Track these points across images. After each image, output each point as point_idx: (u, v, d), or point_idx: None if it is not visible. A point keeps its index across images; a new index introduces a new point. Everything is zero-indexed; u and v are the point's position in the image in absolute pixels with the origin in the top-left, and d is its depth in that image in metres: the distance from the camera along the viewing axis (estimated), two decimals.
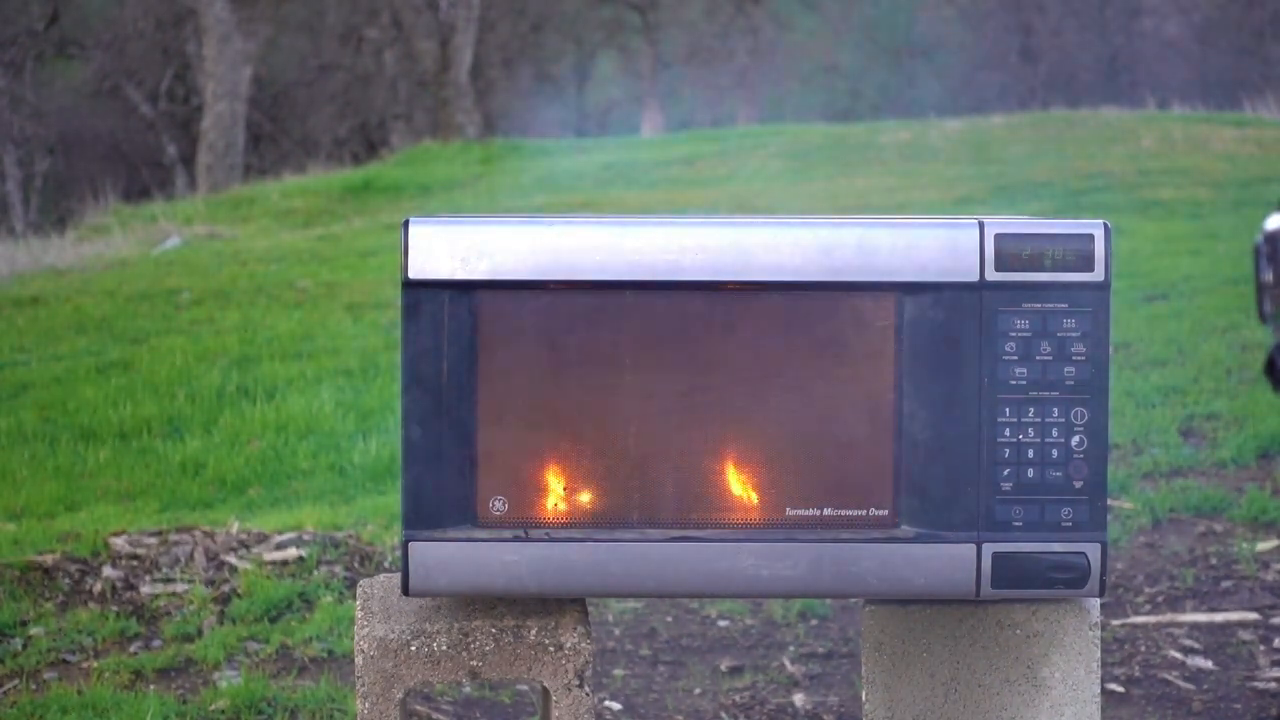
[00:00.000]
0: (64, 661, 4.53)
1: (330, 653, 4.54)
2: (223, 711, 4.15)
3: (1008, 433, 2.58)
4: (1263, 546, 5.23)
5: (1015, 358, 2.57)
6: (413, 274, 2.56)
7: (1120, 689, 4.30)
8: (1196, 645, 4.56)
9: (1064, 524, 2.59)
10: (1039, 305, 2.57)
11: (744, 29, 33.29)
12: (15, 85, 27.53)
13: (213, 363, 8.66)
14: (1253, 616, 4.73)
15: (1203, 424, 6.55)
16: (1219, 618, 4.72)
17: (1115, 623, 4.72)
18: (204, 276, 11.82)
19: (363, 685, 2.65)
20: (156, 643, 4.65)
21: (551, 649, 2.66)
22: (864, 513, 2.60)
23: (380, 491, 6.46)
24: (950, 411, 2.57)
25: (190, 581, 4.99)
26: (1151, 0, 32.59)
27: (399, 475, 2.95)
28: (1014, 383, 2.57)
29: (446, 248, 2.56)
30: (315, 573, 5.07)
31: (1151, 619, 4.74)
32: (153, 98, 29.15)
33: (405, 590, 2.60)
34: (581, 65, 34.31)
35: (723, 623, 4.87)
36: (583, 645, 2.66)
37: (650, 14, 32.54)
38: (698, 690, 4.43)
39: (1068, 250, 2.57)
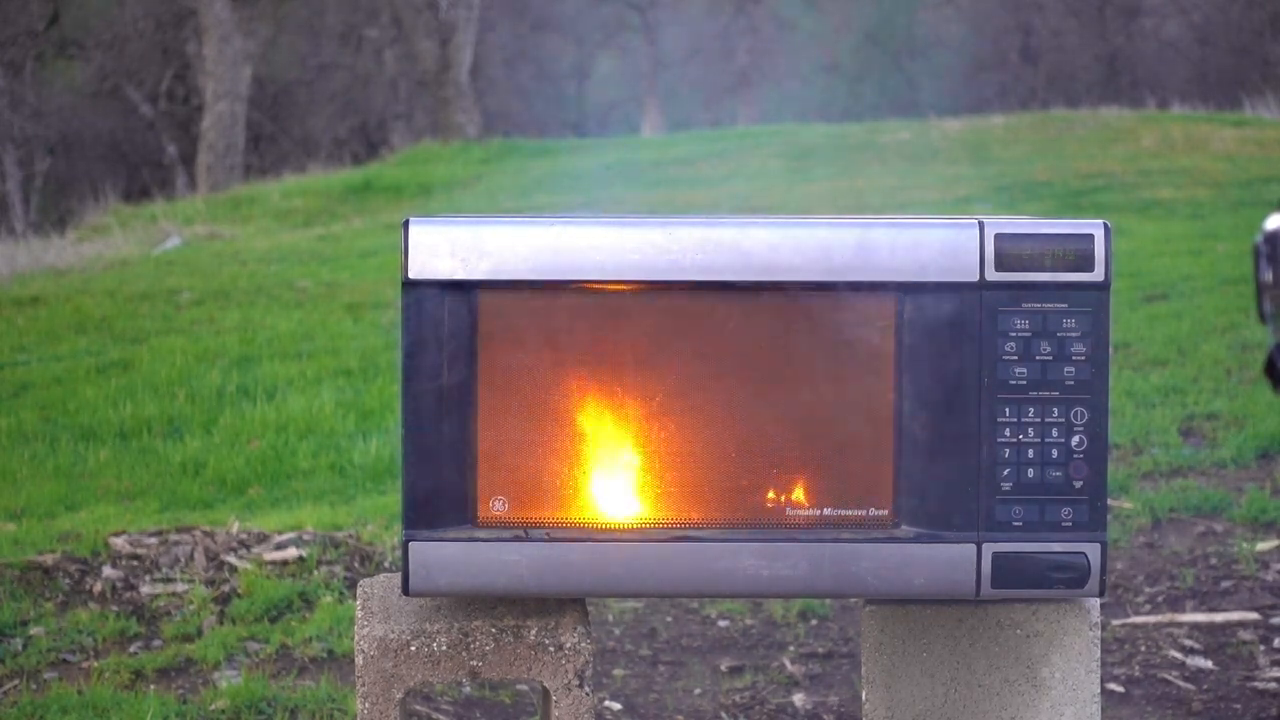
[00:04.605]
0: (64, 661, 4.53)
1: (330, 653, 4.55)
2: (223, 711, 4.15)
3: (1008, 433, 2.58)
4: (1263, 546, 5.23)
5: (1015, 358, 2.57)
6: (413, 274, 2.56)
7: (1120, 689, 4.30)
8: (1196, 645, 4.56)
9: (1064, 524, 2.59)
10: (1039, 305, 2.57)
11: (744, 29, 33.30)
12: (15, 85, 27.53)
13: (213, 363, 8.66)
14: (1253, 616, 4.73)
15: (1203, 424, 6.55)
16: (1219, 618, 4.72)
17: (1115, 623, 4.72)
18: (204, 276, 11.82)
19: (363, 685, 2.65)
20: (156, 643, 4.65)
21: (551, 649, 2.66)
22: (864, 513, 2.60)
23: (380, 491, 6.46)
24: (950, 411, 2.57)
25: (190, 581, 4.99)
26: (1151, 0, 32.59)
27: (399, 475, 2.95)
28: (1014, 383, 2.57)
29: (446, 248, 2.56)
30: (315, 573, 5.07)
31: (1151, 619, 4.74)
32: (153, 98, 29.15)
33: (405, 590, 2.60)
34: (581, 65, 34.32)
35: (723, 623, 4.87)
36: (583, 645, 2.66)
37: (650, 14, 32.55)
38: (698, 690, 4.43)
39: (1068, 250, 2.57)
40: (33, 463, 7.07)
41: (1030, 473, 2.58)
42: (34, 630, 4.68)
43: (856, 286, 2.57)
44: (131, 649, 4.61)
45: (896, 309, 2.57)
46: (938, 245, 2.57)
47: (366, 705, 2.64)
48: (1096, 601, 2.71)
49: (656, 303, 2.58)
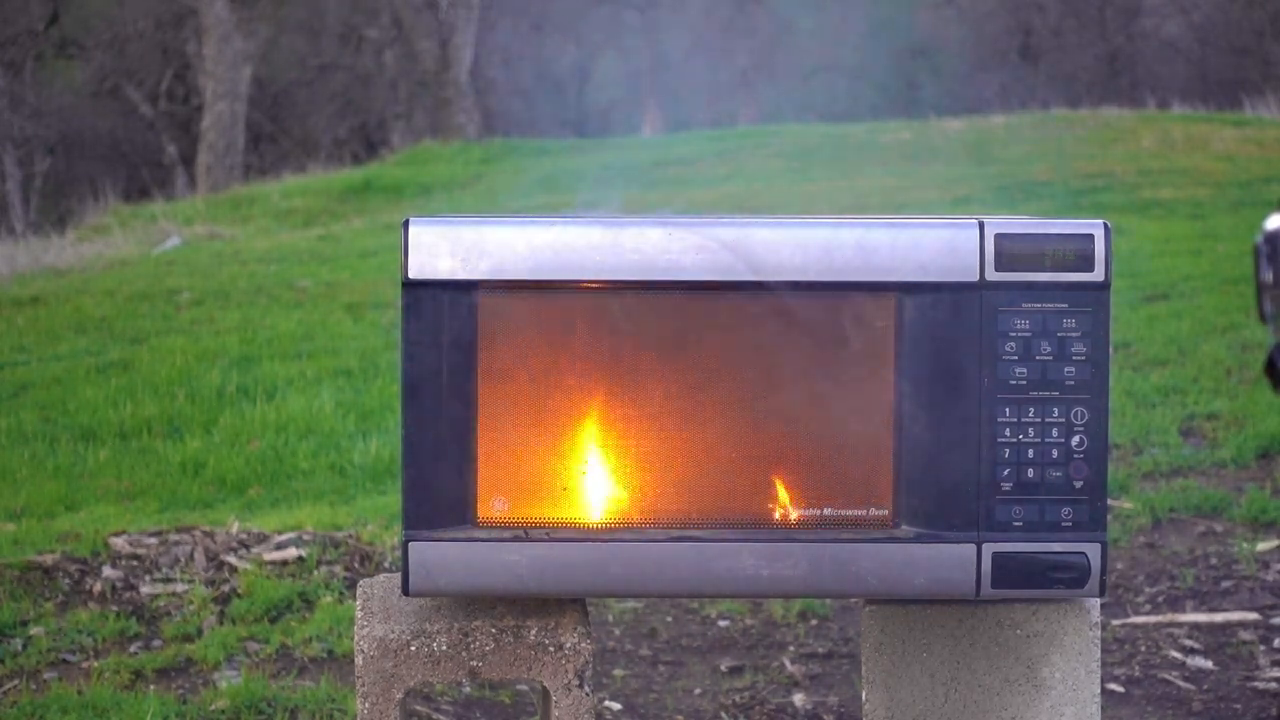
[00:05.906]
0: (64, 661, 4.53)
1: (330, 653, 4.55)
2: (223, 711, 4.15)
3: (1008, 433, 2.58)
4: (1263, 546, 5.23)
5: (1015, 358, 2.57)
6: (413, 274, 2.56)
7: (1120, 689, 4.30)
8: (1196, 645, 4.56)
9: (1064, 524, 2.59)
10: (1039, 305, 2.57)
11: (744, 29, 33.29)
12: (15, 85, 27.53)
13: (213, 363, 8.65)
14: (1253, 616, 4.73)
15: (1203, 424, 6.55)
16: (1219, 618, 4.72)
17: (1115, 623, 4.72)
18: (204, 276, 11.81)
19: (363, 685, 2.65)
20: (156, 643, 4.65)
21: (551, 649, 2.66)
22: (864, 513, 2.60)
23: (380, 491, 6.46)
24: (950, 411, 2.57)
25: (190, 581, 4.99)
26: (1151, 0, 32.58)
27: (399, 475, 2.95)
28: (1014, 383, 2.57)
29: (446, 247, 2.56)
30: (315, 573, 5.07)
31: (1151, 619, 4.74)
32: (153, 98, 29.14)
33: (405, 590, 2.60)
34: (581, 65, 34.29)
35: (723, 623, 4.87)
36: (583, 645, 2.66)
37: (650, 14, 32.53)
38: (698, 690, 4.43)
39: (1068, 250, 2.57)
40: (33, 463, 7.07)
41: (1030, 473, 2.58)
42: (34, 630, 4.68)
43: (856, 286, 2.57)
44: (131, 649, 4.61)
45: (896, 309, 2.57)
46: (938, 245, 2.57)
47: (366, 705, 2.64)
48: (1096, 601, 2.71)
49: (656, 303, 2.58)
